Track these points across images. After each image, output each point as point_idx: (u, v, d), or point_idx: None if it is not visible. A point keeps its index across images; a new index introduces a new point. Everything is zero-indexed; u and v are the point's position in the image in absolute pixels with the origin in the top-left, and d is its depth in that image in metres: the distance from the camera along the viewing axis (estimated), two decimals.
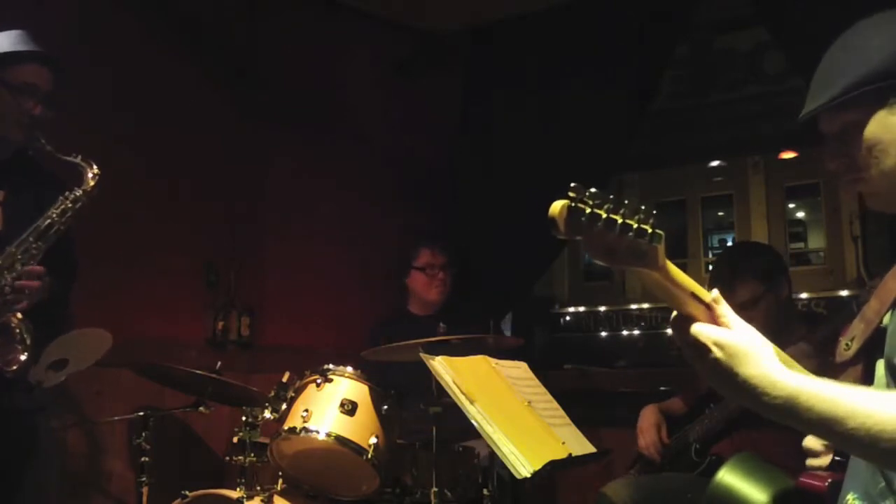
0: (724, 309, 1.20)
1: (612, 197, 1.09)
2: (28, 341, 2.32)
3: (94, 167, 2.51)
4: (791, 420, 1.14)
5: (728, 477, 2.51)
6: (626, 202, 1.10)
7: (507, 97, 4.39)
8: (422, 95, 4.58)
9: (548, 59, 4.23)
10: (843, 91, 1.34)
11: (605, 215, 1.07)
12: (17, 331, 2.31)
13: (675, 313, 1.22)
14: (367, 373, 2.83)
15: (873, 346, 1.29)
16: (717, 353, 1.16)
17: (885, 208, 1.42)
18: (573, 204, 1.06)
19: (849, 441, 1.12)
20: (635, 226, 1.09)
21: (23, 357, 2.31)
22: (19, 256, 2.35)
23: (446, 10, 4.29)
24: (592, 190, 1.07)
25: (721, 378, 1.17)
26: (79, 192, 2.47)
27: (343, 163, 4.22)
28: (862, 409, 1.11)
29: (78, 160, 2.51)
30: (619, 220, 1.08)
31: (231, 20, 3.91)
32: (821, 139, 1.44)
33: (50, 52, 2.52)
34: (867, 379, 1.29)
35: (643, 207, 1.10)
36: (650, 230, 1.11)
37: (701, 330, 1.18)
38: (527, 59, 4.33)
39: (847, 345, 1.34)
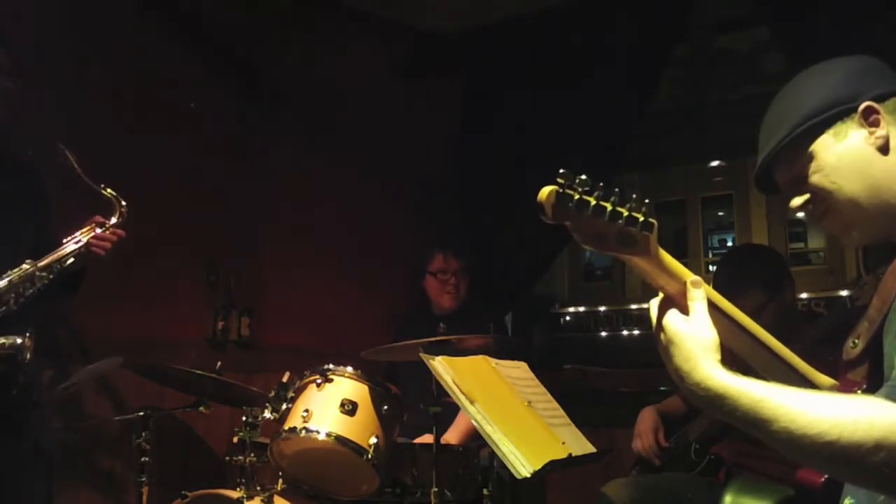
0: (694, 294, 1.21)
1: (601, 185, 1.10)
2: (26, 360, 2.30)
3: (123, 205, 2.54)
4: (722, 416, 1.14)
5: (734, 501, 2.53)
6: (617, 190, 1.11)
7: (507, 98, 4.38)
8: (423, 96, 4.58)
9: (548, 59, 4.23)
10: (790, 129, 1.37)
11: (594, 202, 1.09)
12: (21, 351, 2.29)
13: (661, 295, 1.24)
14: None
15: (878, 344, 1.28)
16: (661, 336, 1.20)
17: (859, 242, 1.41)
18: (561, 190, 1.08)
19: (775, 443, 1.10)
20: (626, 213, 1.11)
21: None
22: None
23: (447, 11, 4.28)
24: (582, 177, 1.09)
25: (664, 361, 1.19)
26: (106, 224, 2.53)
27: (343, 163, 4.22)
28: (786, 412, 1.09)
29: (107, 192, 2.53)
30: (609, 208, 1.10)
31: (232, 20, 3.90)
32: (782, 192, 1.47)
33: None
34: (873, 377, 1.28)
35: (634, 196, 1.12)
36: (641, 218, 1.12)
37: (654, 310, 1.22)
38: (527, 59, 4.32)
39: (854, 343, 1.33)
